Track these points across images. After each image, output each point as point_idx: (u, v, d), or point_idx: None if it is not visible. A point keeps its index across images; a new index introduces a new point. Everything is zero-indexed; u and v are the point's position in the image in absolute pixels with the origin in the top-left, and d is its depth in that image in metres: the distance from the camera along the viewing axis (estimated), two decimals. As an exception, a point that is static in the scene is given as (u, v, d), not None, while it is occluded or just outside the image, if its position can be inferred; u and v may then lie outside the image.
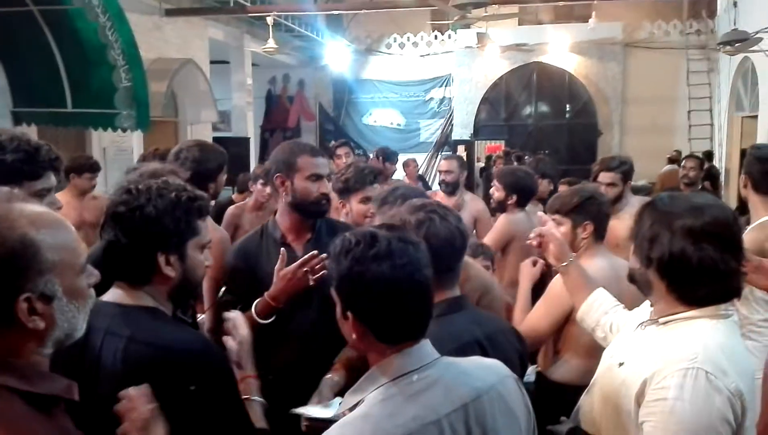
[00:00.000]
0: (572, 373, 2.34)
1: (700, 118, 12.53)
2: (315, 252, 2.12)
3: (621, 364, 1.61)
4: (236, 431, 1.49)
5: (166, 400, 1.35)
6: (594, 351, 2.34)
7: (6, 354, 1.05)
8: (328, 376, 2.05)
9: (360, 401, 1.27)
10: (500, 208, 3.81)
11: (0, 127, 1.96)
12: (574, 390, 1.97)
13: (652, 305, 1.66)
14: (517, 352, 1.81)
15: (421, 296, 1.28)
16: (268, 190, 4.05)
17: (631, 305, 2.31)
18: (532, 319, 2.40)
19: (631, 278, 1.67)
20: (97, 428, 1.26)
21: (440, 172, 4.56)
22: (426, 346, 1.32)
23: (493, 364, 1.43)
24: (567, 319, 2.38)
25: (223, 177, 2.65)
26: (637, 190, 4.64)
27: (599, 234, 2.53)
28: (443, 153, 13.71)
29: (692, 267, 1.48)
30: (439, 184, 4.59)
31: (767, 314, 2.66)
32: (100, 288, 1.52)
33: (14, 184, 1.74)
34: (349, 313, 1.29)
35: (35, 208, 1.10)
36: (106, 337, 1.43)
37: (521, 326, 2.31)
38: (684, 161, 6.00)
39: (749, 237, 2.68)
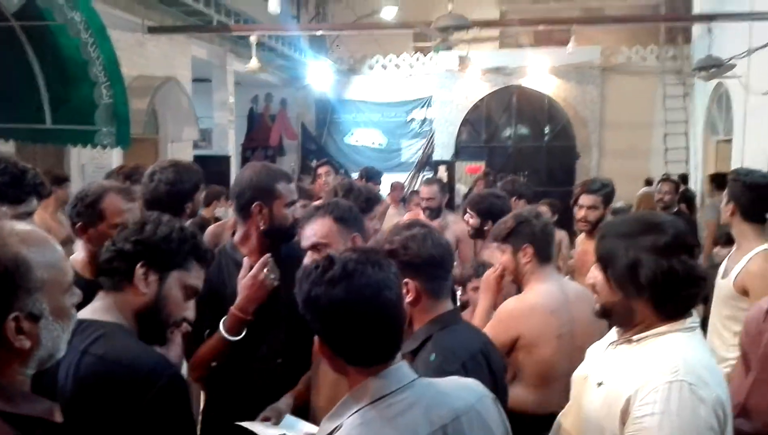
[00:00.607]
0: (523, 401, 2.29)
1: (676, 141, 12.76)
2: (269, 255, 2.12)
3: (600, 384, 1.61)
4: None
5: (114, 415, 1.36)
6: (542, 380, 2.35)
7: None
8: (287, 394, 2.09)
9: (338, 427, 1.26)
10: (477, 234, 3.70)
11: None
12: (529, 418, 1.99)
13: (625, 329, 1.64)
14: (503, 361, 1.87)
15: (385, 317, 1.26)
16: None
17: (584, 329, 2.33)
18: None
19: (605, 313, 1.65)
20: None
21: (423, 199, 4.60)
22: (402, 367, 1.32)
23: (471, 383, 1.43)
24: (513, 346, 2.38)
25: (201, 196, 2.65)
26: (615, 212, 4.70)
27: (542, 256, 2.46)
28: (424, 173, 13.78)
29: (680, 280, 1.52)
30: (423, 210, 4.61)
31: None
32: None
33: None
34: (316, 338, 1.31)
35: (24, 226, 1.11)
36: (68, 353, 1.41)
37: None
38: (659, 185, 6.09)
39: (758, 267, 2.64)
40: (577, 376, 1.80)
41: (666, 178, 6.38)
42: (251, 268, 2.11)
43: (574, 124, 13.64)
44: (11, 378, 1.07)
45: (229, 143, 11.34)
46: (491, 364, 1.69)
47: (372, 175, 5.98)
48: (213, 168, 9.89)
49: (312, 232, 2.08)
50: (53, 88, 5.73)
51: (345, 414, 1.27)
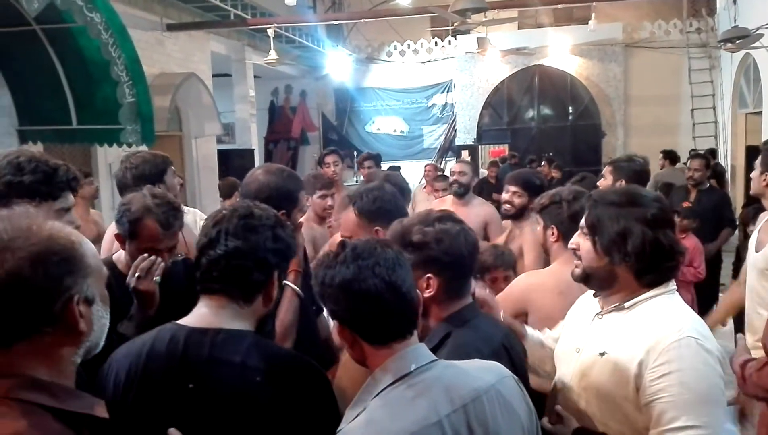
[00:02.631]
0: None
1: (703, 116, 12.51)
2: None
3: (603, 354, 1.64)
4: None
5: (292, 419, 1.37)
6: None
7: (41, 364, 1.06)
8: None
9: (361, 411, 1.28)
10: (520, 214, 3.58)
11: (19, 149, 1.99)
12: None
13: (604, 296, 1.73)
14: (524, 351, 1.85)
15: (394, 294, 1.29)
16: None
17: None
18: None
19: (586, 277, 1.73)
20: None
21: (453, 173, 4.57)
22: (421, 348, 1.34)
23: (492, 364, 1.44)
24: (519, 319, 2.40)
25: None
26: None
27: (569, 239, 2.48)
28: (447, 158, 13.73)
29: (663, 250, 1.62)
30: (451, 185, 4.60)
31: None
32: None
33: (32, 204, 1.77)
34: (335, 322, 1.34)
35: (59, 222, 1.14)
36: (213, 366, 1.39)
37: None
38: (689, 161, 5.98)
39: None
40: (563, 350, 1.82)
41: (695, 154, 6.25)
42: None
43: (598, 102, 13.45)
44: (63, 365, 1.09)
45: (252, 136, 11.41)
46: (512, 356, 1.67)
47: (368, 158, 5.98)
48: (237, 162, 9.99)
49: (342, 223, 2.14)
50: (77, 89, 5.83)
51: (367, 398, 1.29)
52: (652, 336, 1.55)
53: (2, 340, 1.04)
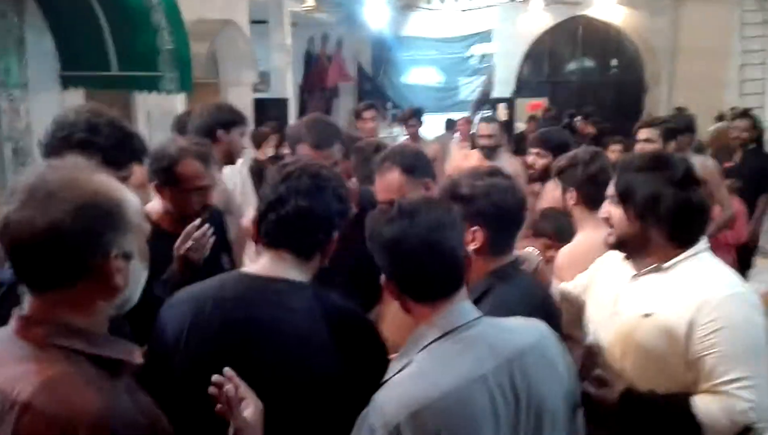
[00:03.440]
0: None
1: (753, 72, 11.99)
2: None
3: (647, 315, 1.67)
4: None
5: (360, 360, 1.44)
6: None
7: (77, 312, 1.09)
8: None
9: (408, 363, 1.32)
10: (545, 175, 3.53)
11: (97, 106, 1.96)
12: None
13: (637, 260, 1.75)
14: (561, 315, 1.87)
15: (441, 253, 1.32)
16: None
17: None
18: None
19: (620, 244, 1.76)
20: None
21: (480, 136, 4.50)
22: (466, 305, 1.38)
23: (535, 323, 1.47)
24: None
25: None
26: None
27: (591, 202, 2.41)
28: (483, 111, 13.51)
29: (694, 210, 1.68)
30: (480, 148, 4.53)
31: None
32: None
33: (100, 166, 1.79)
34: (383, 276, 1.39)
35: (106, 176, 1.16)
36: (280, 311, 1.44)
37: None
38: (736, 121, 5.78)
39: None
40: (598, 315, 1.85)
41: (743, 113, 6.04)
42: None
43: (644, 55, 13.01)
44: (97, 315, 1.13)
45: (287, 86, 11.35)
46: (551, 316, 1.70)
47: (414, 113, 5.86)
48: (271, 111, 9.98)
49: (383, 186, 2.10)
50: (117, 35, 5.83)
51: (413, 350, 1.33)
52: (699, 294, 1.60)
53: (40, 286, 1.08)
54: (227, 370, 1.29)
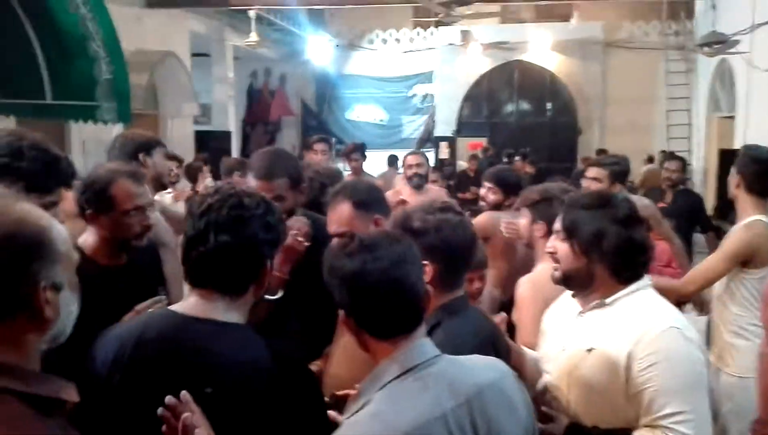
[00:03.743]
0: None
1: (678, 118, 12.70)
2: (300, 218, 2.19)
3: (590, 350, 1.69)
4: None
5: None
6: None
7: (5, 344, 1.04)
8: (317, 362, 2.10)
9: (366, 402, 1.29)
10: (494, 210, 3.63)
11: (21, 130, 1.87)
12: None
13: (583, 296, 1.79)
14: (508, 349, 1.87)
15: (402, 288, 1.29)
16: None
17: None
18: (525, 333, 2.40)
19: (566, 279, 1.79)
20: None
21: (411, 166, 4.58)
22: (425, 343, 1.35)
23: (492, 361, 1.46)
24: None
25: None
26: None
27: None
28: (426, 149, 13.73)
29: (636, 247, 1.72)
30: (409, 178, 4.59)
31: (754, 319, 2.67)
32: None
33: (23, 191, 1.69)
34: (341, 311, 1.34)
35: (33, 206, 1.10)
36: (202, 356, 1.36)
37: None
38: (666, 163, 6.06)
39: (737, 237, 2.74)
40: (548, 351, 1.88)
41: (673, 156, 6.34)
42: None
43: (577, 99, 13.58)
44: (28, 351, 1.07)
45: (230, 118, 11.28)
46: (499, 350, 1.70)
47: (355, 150, 5.92)
48: (214, 144, 9.87)
49: (334, 218, 2.08)
50: (53, 63, 5.68)
51: (372, 389, 1.30)
52: (638, 328, 1.63)
53: None
54: (184, 393, 1.24)
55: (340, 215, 2.08)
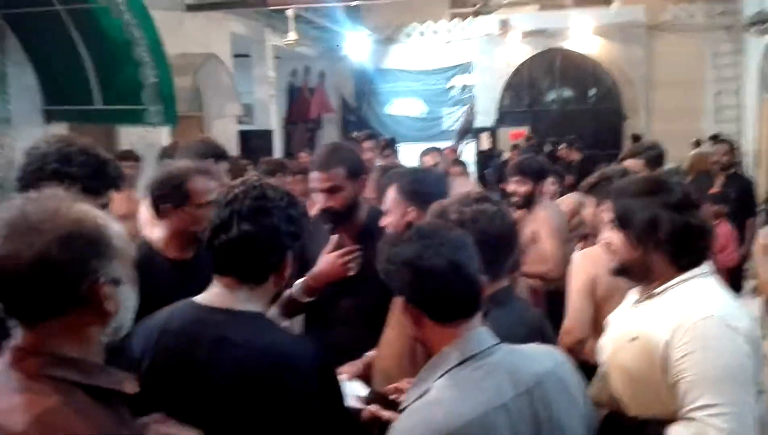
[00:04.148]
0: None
1: (727, 100, 12.31)
2: (357, 247, 2.19)
3: (633, 339, 1.65)
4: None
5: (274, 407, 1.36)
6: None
7: (69, 341, 1.09)
8: (370, 353, 2.13)
9: (426, 390, 1.30)
10: (527, 202, 3.61)
11: (71, 136, 1.94)
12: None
13: (644, 287, 1.72)
14: (555, 338, 1.87)
15: (458, 273, 1.31)
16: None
17: None
18: (574, 314, 2.39)
19: (623, 270, 1.72)
20: None
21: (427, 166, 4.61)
22: (484, 331, 1.36)
23: (549, 349, 1.47)
24: (593, 294, 2.41)
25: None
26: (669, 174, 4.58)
27: None
28: (466, 140, 13.65)
29: (695, 233, 1.64)
30: None
31: None
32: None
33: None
34: (400, 299, 1.36)
35: (87, 205, 1.16)
36: (217, 345, 1.40)
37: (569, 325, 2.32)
38: (715, 146, 5.90)
39: None
40: (603, 341, 1.83)
41: (721, 139, 6.16)
42: (338, 246, 2.19)
43: (621, 85, 13.28)
44: (91, 344, 1.12)
45: (271, 117, 11.41)
46: (546, 340, 1.69)
47: (386, 146, 5.94)
48: (257, 143, 10.01)
49: (386, 199, 2.19)
50: (100, 69, 5.86)
51: (432, 377, 1.31)
52: (677, 316, 1.56)
53: (31, 318, 1.08)
54: (157, 415, 1.28)
55: (387, 196, 2.18)
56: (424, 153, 5.03)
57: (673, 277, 1.65)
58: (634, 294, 1.81)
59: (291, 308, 2.25)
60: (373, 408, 1.62)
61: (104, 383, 1.10)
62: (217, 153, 2.74)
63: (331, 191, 2.21)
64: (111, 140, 7.35)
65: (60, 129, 6.03)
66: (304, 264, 2.21)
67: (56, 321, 1.07)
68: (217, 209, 1.47)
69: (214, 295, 1.46)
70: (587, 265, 2.41)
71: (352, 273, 2.17)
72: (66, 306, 1.07)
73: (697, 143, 11.07)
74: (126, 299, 1.15)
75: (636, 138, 10.84)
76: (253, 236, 1.42)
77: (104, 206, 1.83)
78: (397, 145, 5.96)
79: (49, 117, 6.21)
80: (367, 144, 5.02)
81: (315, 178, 2.23)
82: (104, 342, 1.16)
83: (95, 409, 1.06)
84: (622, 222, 1.69)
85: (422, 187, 2.14)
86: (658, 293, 1.67)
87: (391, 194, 2.15)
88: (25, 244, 1.02)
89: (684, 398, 1.51)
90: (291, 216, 1.48)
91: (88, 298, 1.08)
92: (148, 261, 2.02)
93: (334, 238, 2.21)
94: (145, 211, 2.67)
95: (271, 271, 1.47)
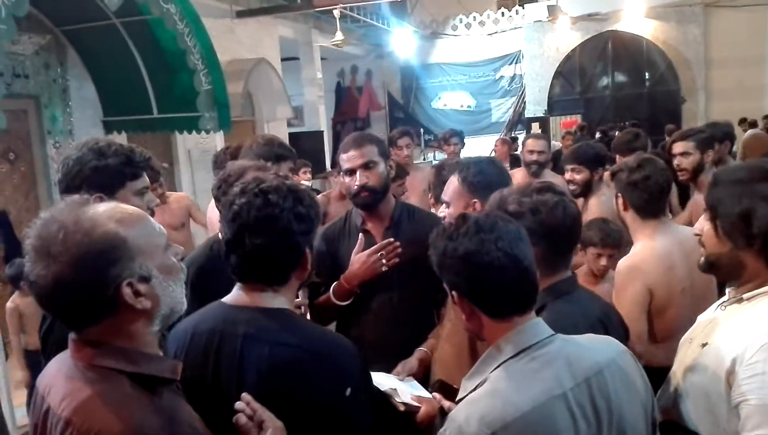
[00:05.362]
0: (652, 355, 2.17)
1: (792, 76, 11.76)
2: (390, 240, 2.19)
3: (704, 345, 1.52)
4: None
5: (311, 402, 1.36)
6: (669, 334, 2.22)
7: (119, 337, 1.15)
8: (421, 348, 2.14)
9: (482, 382, 1.29)
10: (585, 190, 3.51)
11: (93, 138, 2.07)
12: (656, 371, 1.88)
13: (736, 286, 1.54)
14: (624, 328, 1.80)
15: (516, 268, 1.28)
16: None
17: (704, 281, 2.14)
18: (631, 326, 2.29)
19: (711, 266, 1.55)
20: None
21: (532, 152, 4.39)
22: (540, 323, 1.34)
23: (608, 339, 1.43)
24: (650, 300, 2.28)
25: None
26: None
27: (640, 210, 2.33)
28: (516, 131, 13.47)
29: None
30: (528, 164, 4.42)
31: None
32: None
33: (119, 185, 1.85)
34: (454, 293, 1.34)
35: (107, 204, 1.18)
36: (246, 342, 1.41)
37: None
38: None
39: None
40: (683, 339, 1.70)
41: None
42: (367, 245, 2.19)
43: (677, 66, 12.84)
44: (139, 337, 1.16)
45: (321, 118, 11.52)
46: (610, 332, 1.61)
47: (450, 136, 5.81)
48: (308, 144, 10.11)
49: (446, 188, 2.16)
50: (156, 79, 6.01)
51: (487, 370, 1.29)
52: (753, 331, 1.38)
53: (73, 327, 1.16)
54: (245, 395, 1.30)
55: (448, 186, 2.15)
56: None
57: (766, 282, 1.46)
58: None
59: (327, 312, 2.28)
60: (438, 396, 1.61)
61: (149, 371, 1.14)
62: (278, 154, 2.78)
63: (366, 167, 2.24)
64: (168, 147, 7.56)
65: (119, 139, 6.23)
66: (339, 265, 2.23)
67: (100, 324, 1.13)
68: (224, 223, 1.47)
69: (240, 296, 1.48)
70: (636, 277, 2.27)
71: (385, 269, 2.16)
72: (99, 315, 1.12)
73: (752, 124, 10.49)
74: (165, 289, 1.18)
75: (752, 124, 10.30)
76: (267, 247, 1.42)
77: (146, 189, 1.94)
78: (464, 136, 5.82)
79: (109, 128, 6.42)
80: (402, 141, 4.75)
81: (350, 156, 2.26)
82: (156, 331, 1.20)
83: (137, 397, 1.10)
84: (712, 211, 1.51)
85: (487, 178, 2.10)
86: (747, 299, 1.49)
87: (453, 185, 2.12)
88: (44, 266, 1.08)
89: (745, 423, 1.35)
90: (299, 214, 1.45)
91: (118, 303, 1.12)
92: (215, 258, 2.08)
93: (361, 237, 2.23)
94: (213, 211, 2.75)
95: (292, 271, 1.48)
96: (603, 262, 2.70)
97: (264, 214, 1.41)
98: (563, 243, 1.67)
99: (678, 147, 3.47)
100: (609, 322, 1.69)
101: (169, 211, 4.57)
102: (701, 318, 1.70)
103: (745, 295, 1.49)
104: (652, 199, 2.35)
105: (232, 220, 1.44)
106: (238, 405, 1.28)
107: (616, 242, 2.70)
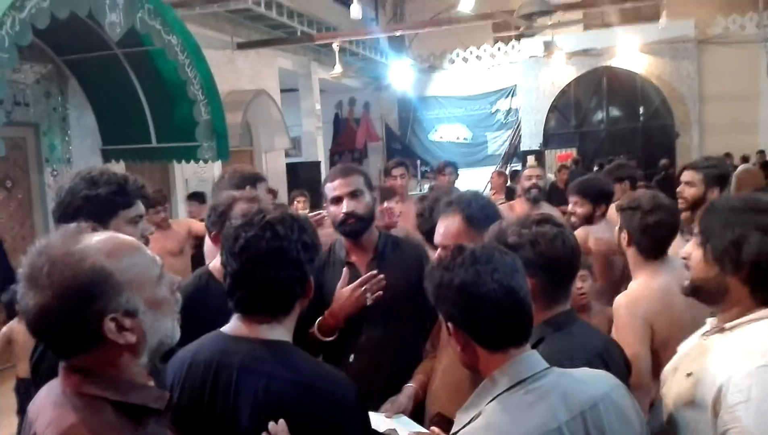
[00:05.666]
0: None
1: (785, 112, 11.92)
2: (374, 272, 2.13)
3: (689, 375, 1.51)
4: None
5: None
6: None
7: (107, 367, 1.14)
8: (409, 384, 2.09)
9: (476, 415, 1.27)
10: (587, 223, 3.51)
11: (87, 167, 2.09)
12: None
13: (718, 313, 1.54)
14: (625, 363, 1.79)
15: (512, 299, 1.28)
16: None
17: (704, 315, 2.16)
18: (636, 363, 2.26)
19: (695, 290, 1.56)
20: None
21: (531, 177, 4.45)
22: (535, 355, 1.33)
23: (603, 373, 1.42)
24: (652, 338, 2.26)
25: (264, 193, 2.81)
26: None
27: (643, 249, 2.32)
28: (512, 164, 13.56)
29: None
30: (529, 190, 4.46)
31: None
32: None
33: (111, 214, 1.84)
34: (449, 325, 1.33)
35: (100, 235, 1.17)
36: (242, 374, 1.40)
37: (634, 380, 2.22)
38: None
39: None
40: (666, 370, 1.69)
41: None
42: (352, 277, 2.15)
43: (671, 101, 13.02)
44: (126, 368, 1.16)
45: (318, 149, 11.60)
46: (610, 367, 1.60)
47: (444, 166, 5.86)
48: (304, 174, 10.17)
49: (442, 229, 2.06)
50: (156, 108, 6.07)
51: (482, 402, 1.29)
52: (737, 359, 1.38)
53: (61, 355, 1.16)
54: (272, 425, 1.30)
55: (448, 227, 2.03)
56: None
57: (749, 311, 1.47)
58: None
59: (310, 347, 2.21)
60: (437, 430, 1.59)
61: (133, 400, 1.13)
62: (251, 178, 2.81)
63: (353, 195, 2.24)
64: (166, 176, 7.59)
65: (118, 168, 6.25)
66: (324, 299, 2.17)
67: (86, 354, 1.13)
68: (229, 255, 1.45)
69: (240, 326, 1.46)
70: (636, 313, 2.25)
71: (369, 302, 2.11)
72: (84, 346, 1.12)
73: (745, 159, 10.62)
74: (153, 322, 1.16)
75: (745, 159, 10.35)
76: (278, 279, 1.42)
77: (140, 217, 1.92)
78: (458, 168, 5.89)
79: (107, 156, 6.45)
80: (396, 171, 4.75)
81: (336, 185, 2.25)
82: (145, 362, 1.19)
83: (119, 426, 1.10)
84: (704, 235, 1.53)
85: (490, 212, 2.07)
86: (729, 329, 1.49)
87: (456, 226, 2.02)
88: (31, 299, 1.09)
89: None
90: (305, 242, 1.45)
91: (99, 338, 1.11)
92: (203, 288, 2.09)
93: (345, 271, 2.17)
94: (208, 241, 2.77)
95: (297, 299, 1.48)
96: (578, 283, 2.64)
97: (274, 247, 1.41)
98: (562, 275, 1.66)
99: (686, 175, 3.48)
100: (610, 357, 1.67)
101: (172, 237, 4.57)
102: (683, 347, 1.70)
103: (726, 325, 1.50)
104: (659, 245, 2.35)
105: (239, 253, 1.42)
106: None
107: (586, 264, 2.72)
